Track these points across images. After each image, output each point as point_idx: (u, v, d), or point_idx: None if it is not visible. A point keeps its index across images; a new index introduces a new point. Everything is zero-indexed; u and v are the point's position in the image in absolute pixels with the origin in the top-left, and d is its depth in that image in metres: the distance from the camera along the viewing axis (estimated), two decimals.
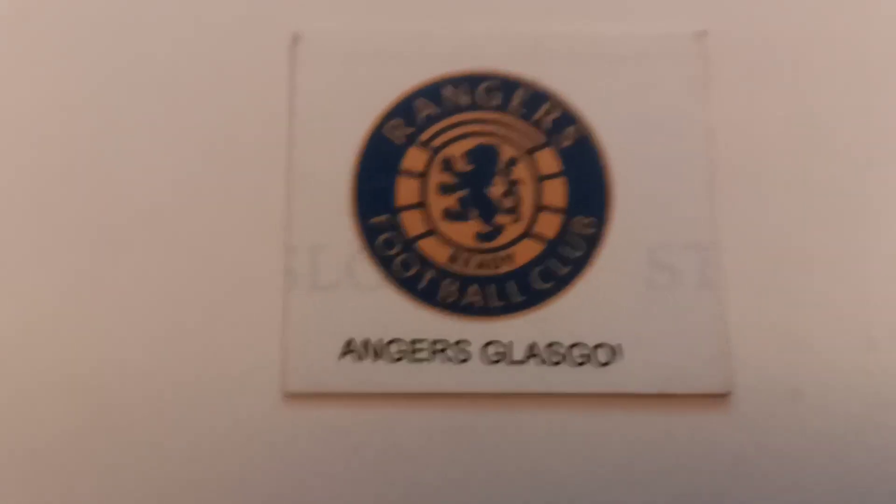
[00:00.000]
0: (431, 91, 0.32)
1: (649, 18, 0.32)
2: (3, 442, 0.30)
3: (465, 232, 0.31)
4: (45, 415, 0.30)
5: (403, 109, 0.32)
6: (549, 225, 0.31)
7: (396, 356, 0.30)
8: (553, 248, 0.31)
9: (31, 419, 0.30)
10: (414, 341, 0.30)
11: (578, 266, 0.30)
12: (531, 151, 0.31)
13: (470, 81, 0.32)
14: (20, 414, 0.30)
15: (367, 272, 0.30)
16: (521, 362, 0.30)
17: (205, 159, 0.32)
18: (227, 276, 0.31)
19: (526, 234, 0.31)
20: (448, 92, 0.32)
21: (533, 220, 0.31)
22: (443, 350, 0.30)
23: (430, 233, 0.31)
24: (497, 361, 0.30)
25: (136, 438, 0.30)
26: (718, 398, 0.30)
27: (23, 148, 0.32)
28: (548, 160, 0.31)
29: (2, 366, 0.30)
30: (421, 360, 0.30)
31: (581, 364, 0.30)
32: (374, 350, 0.30)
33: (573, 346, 0.30)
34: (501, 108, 0.32)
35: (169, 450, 0.30)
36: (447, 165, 0.31)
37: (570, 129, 0.31)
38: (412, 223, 0.31)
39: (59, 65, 0.32)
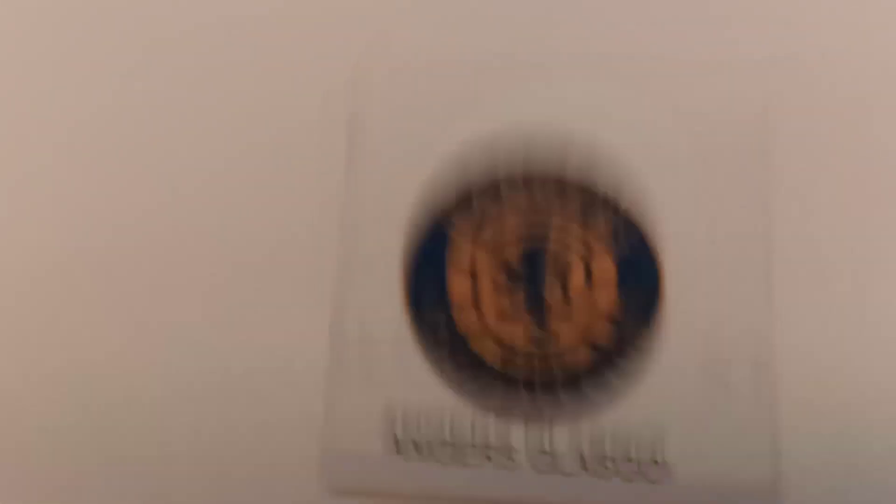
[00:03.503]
0: (490, 189, 0.32)
1: (708, 112, 0.32)
2: None
3: (518, 334, 0.31)
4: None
5: (461, 205, 0.31)
6: (600, 328, 0.31)
7: (444, 458, 0.30)
8: (605, 356, 0.30)
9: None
10: (462, 444, 0.30)
11: (630, 376, 0.30)
12: (587, 256, 0.31)
13: (528, 181, 0.32)
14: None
15: (418, 368, 0.30)
16: (571, 473, 0.29)
17: (263, 240, 0.32)
18: (275, 365, 0.30)
19: (579, 340, 0.31)
20: (505, 191, 0.32)
21: (586, 327, 0.31)
22: (491, 455, 0.30)
23: (482, 332, 0.31)
24: (545, 469, 0.29)
25: None
26: None
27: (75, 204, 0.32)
28: (604, 266, 0.31)
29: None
30: (468, 464, 0.30)
31: (628, 474, 0.29)
32: (421, 450, 0.30)
33: (624, 459, 0.29)
34: (559, 210, 0.31)
35: None
36: (502, 265, 0.31)
37: (626, 232, 0.31)
38: (465, 321, 0.31)
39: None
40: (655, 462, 0.29)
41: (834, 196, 0.32)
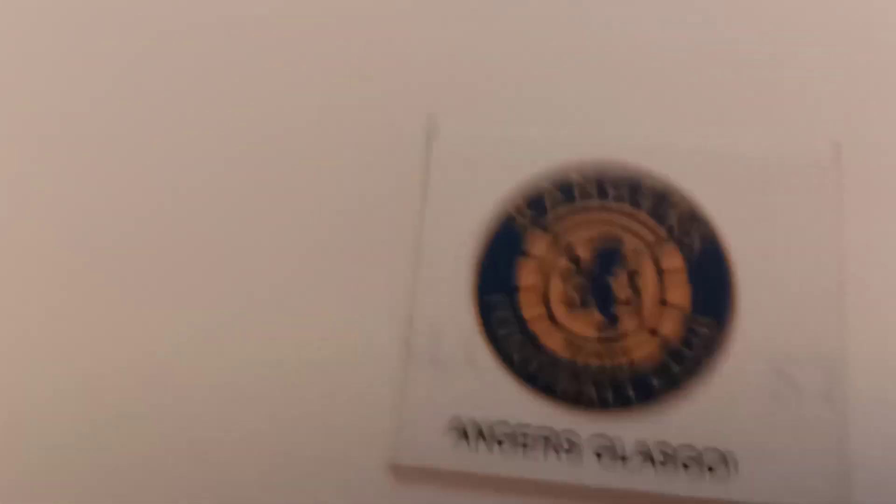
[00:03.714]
0: (560, 179, 0.32)
1: (785, 127, 0.32)
2: None
3: (584, 322, 0.31)
4: (152, 484, 0.30)
5: (531, 195, 0.32)
6: (669, 324, 0.31)
7: (505, 440, 0.30)
8: (672, 347, 0.30)
9: (133, 475, 0.30)
10: (523, 426, 0.30)
11: (697, 368, 0.30)
12: (656, 248, 0.31)
13: (599, 173, 0.32)
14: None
15: (483, 354, 0.31)
16: (630, 460, 0.29)
17: (336, 230, 0.32)
18: (346, 345, 0.31)
19: (646, 331, 0.31)
20: (577, 181, 0.32)
21: (654, 317, 0.31)
22: (553, 439, 0.30)
23: (547, 318, 0.31)
24: (607, 457, 0.29)
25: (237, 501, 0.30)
26: None
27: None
28: (672, 258, 0.31)
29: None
30: (528, 447, 0.30)
31: (693, 468, 0.29)
32: (482, 431, 0.30)
33: (686, 449, 0.29)
34: (629, 202, 0.32)
35: None
36: (570, 253, 0.31)
37: (697, 230, 0.31)
38: (531, 308, 0.31)
39: (199, 147, 0.34)
40: (721, 456, 0.29)
41: None
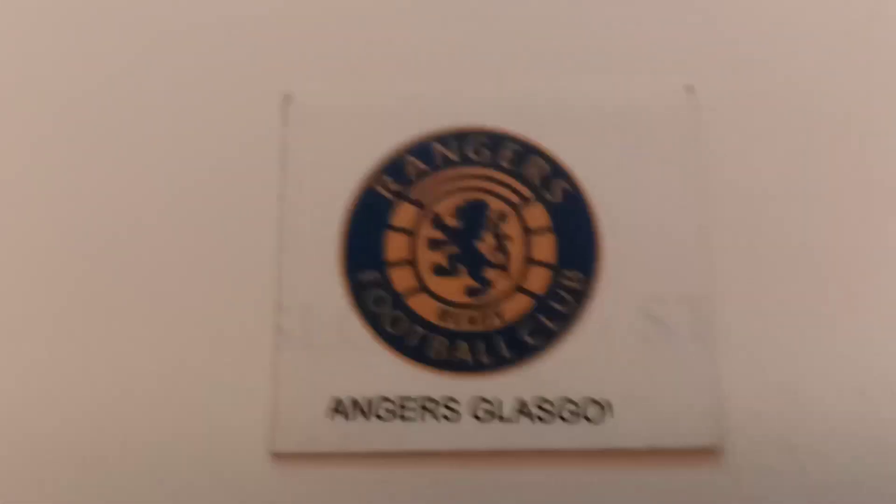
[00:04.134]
0: (421, 148, 0.32)
1: (637, 74, 0.33)
2: None
3: (454, 288, 0.31)
4: (30, 474, 0.30)
5: (393, 166, 0.32)
6: (538, 280, 0.31)
7: (386, 415, 0.30)
8: (542, 302, 0.31)
9: (17, 476, 0.30)
10: (403, 399, 0.30)
11: (568, 321, 0.30)
12: (520, 206, 0.31)
13: (459, 138, 0.32)
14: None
15: (357, 330, 0.30)
16: (510, 419, 0.29)
17: (195, 217, 0.32)
18: (216, 334, 0.30)
19: (515, 290, 0.31)
20: (437, 148, 0.32)
21: (522, 275, 0.31)
22: (432, 408, 0.30)
23: (419, 289, 0.31)
24: (487, 419, 0.29)
25: (120, 499, 0.29)
26: (711, 453, 0.29)
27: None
28: (537, 215, 0.31)
29: None
30: (410, 419, 0.29)
31: (571, 420, 0.29)
32: (363, 409, 0.30)
33: (563, 402, 0.29)
34: (490, 164, 0.32)
35: None
36: (436, 221, 0.31)
37: (559, 184, 0.31)
38: (401, 279, 0.31)
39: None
40: (597, 404, 0.29)
41: (765, 144, 0.32)
